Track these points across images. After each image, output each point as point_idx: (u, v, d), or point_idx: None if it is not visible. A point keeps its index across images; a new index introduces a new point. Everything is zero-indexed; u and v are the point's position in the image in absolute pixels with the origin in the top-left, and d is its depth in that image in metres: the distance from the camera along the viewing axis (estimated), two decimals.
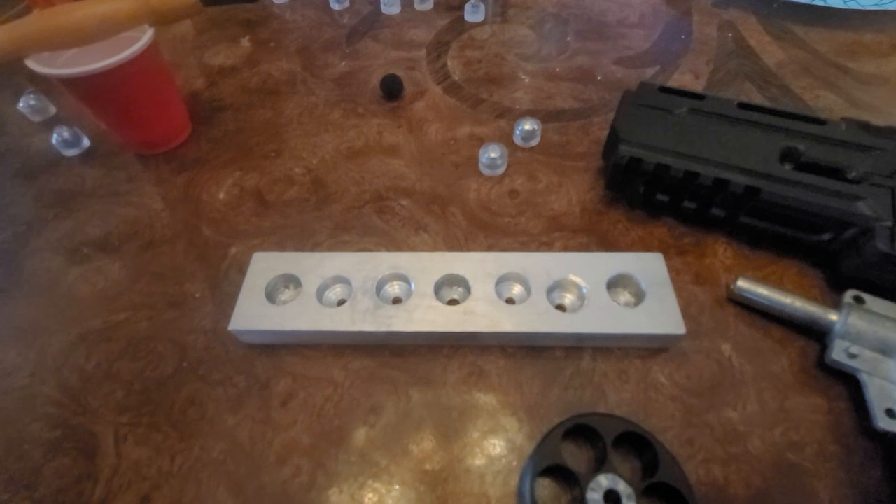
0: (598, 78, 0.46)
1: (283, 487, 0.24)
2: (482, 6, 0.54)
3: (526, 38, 0.52)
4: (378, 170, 0.38)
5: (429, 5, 0.56)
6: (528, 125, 0.39)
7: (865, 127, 0.31)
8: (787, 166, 0.30)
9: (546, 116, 0.42)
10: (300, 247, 0.34)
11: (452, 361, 0.28)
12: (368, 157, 0.40)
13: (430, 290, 0.28)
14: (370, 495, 0.24)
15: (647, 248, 0.32)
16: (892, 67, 0.45)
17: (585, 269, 0.29)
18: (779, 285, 0.29)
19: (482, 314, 0.27)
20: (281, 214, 0.36)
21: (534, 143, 0.40)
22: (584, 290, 0.28)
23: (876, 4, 0.48)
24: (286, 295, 0.30)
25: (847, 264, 0.28)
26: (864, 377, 0.25)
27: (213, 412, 0.27)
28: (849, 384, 0.26)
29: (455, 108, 0.44)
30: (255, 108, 0.45)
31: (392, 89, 0.44)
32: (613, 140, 0.33)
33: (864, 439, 0.24)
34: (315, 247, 0.34)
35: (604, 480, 0.22)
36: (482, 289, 0.28)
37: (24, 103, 0.44)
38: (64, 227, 0.36)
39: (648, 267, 0.29)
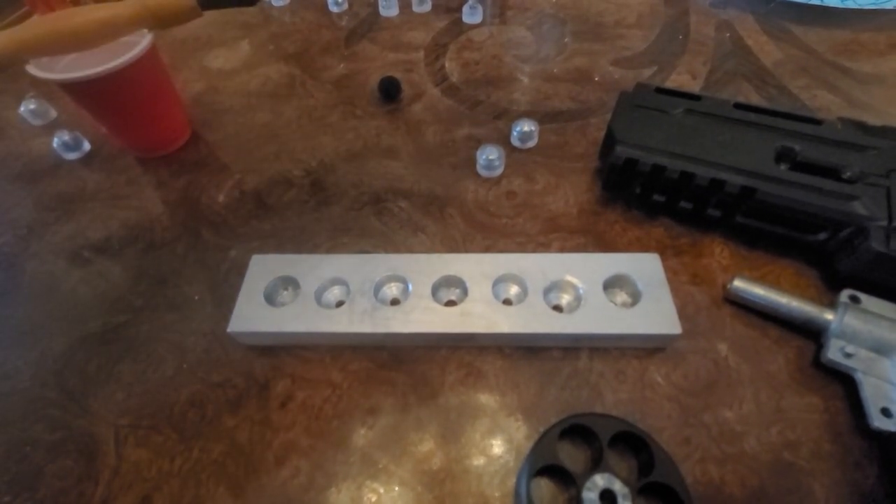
0: (596, 79, 0.46)
1: (282, 488, 0.24)
2: (480, 8, 0.54)
3: (524, 39, 0.52)
4: (376, 171, 0.39)
5: (427, 7, 0.56)
6: (525, 126, 0.39)
7: (861, 126, 0.31)
8: (783, 166, 0.30)
9: (544, 117, 0.42)
10: (299, 249, 0.34)
11: (450, 362, 0.28)
12: (367, 158, 0.40)
13: (428, 291, 0.29)
14: (368, 495, 0.24)
15: (644, 249, 0.32)
16: (890, 66, 0.45)
17: (582, 270, 0.29)
18: (775, 285, 0.29)
19: (479, 315, 0.27)
20: (280, 217, 0.36)
21: (531, 144, 0.40)
22: (581, 291, 0.28)
23: (873, 4, 0.48)
24: (285, 297, 0.30)
25: (843, 264, 0.28)
26: (859, 376, 0.25)
27: (212, 413, 0.27)
28: (845, 383, 0.26)
29: (453, 109, 0.44)
30: (254, 110, 0.45)
31: (390, 91, 0.44)
32: (610, 141, 0.33)
33: (859, 438, 0.24)
34: (314, 249, 0.34)
35: (600, 480, 0.22)
36: (479, 290, 0.29)
37: (25, 108, 0.44)
38: (65, 231, 0.36)
39: (645, 267, 0.29)
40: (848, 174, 0.28)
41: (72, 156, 0.41)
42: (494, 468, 0.24)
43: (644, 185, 0.33)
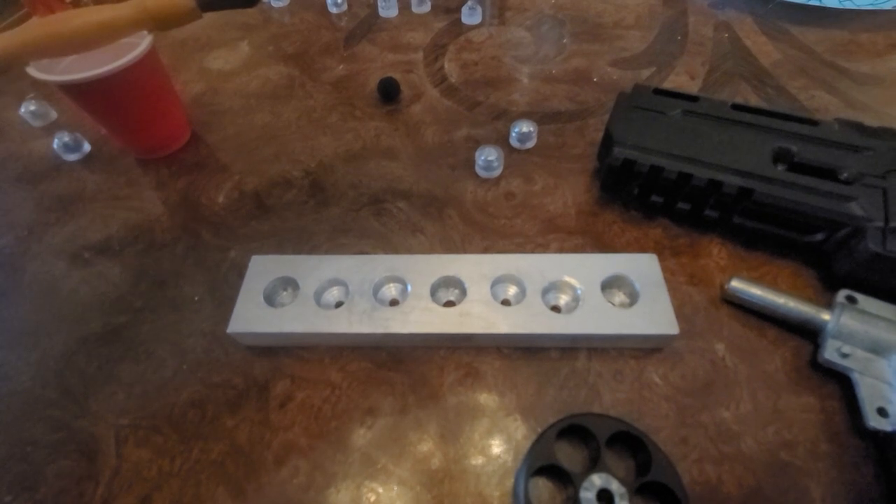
0: (594, 79, 0.46)
1: (281, 488, 0.24)
2: (479, 8, 0.54)
3: (523, 40, 0.52)
4: (375, 172, 0.39)
5: (426, 8, 0.57)
6: (524, 127, 0.39)
7: (858, 127, 0.31)
8: (780, 167, 0.30)
9: (542, 118, 0.42)
10: (298, 250, 0.34)
11: (448, 363, 0.28)
12: (366, 159, 0.40)
13: (427, 291, 0.29)
14: (367, 495, 0.24)
15: (643, 249, 0.32)
16: (888, 67, 0.45)
17: (580, 271, 0.29)
18: (773, 285, 0.29)
19: (478, 316, 0.28)
20: (279, 217, 0.36)
21: (530, 145, 0.40)
22: (579, 292, 0.28)
23: (871, 4, 0.48)
24: (284, 297, 0.30)
25: (839, 264, 0.29)
26: (855, 376, 0.25)
27: (212, 414, 0.27)
28: (841, 383, 0.26)
29: (452, 110, 0.44)
30: (253, 111, 0.45)
31: (389, 92, 0.44)
32: (608, 142, 0.33)
33: (855, 438, 0.25)
34: (313, 249, 0.34)
35: (597, 480, 0.22)
36: (478, 290, 0.29)
37: (25, 109, 0.45)
38: (65, 232, 0.36)
39: (642, 268, 0.29)
40: (845, 175, 0.29)
41: (72, 157, 0.42)
42: (493, 468, 0.25)
43: (642, 186, 0.33)
